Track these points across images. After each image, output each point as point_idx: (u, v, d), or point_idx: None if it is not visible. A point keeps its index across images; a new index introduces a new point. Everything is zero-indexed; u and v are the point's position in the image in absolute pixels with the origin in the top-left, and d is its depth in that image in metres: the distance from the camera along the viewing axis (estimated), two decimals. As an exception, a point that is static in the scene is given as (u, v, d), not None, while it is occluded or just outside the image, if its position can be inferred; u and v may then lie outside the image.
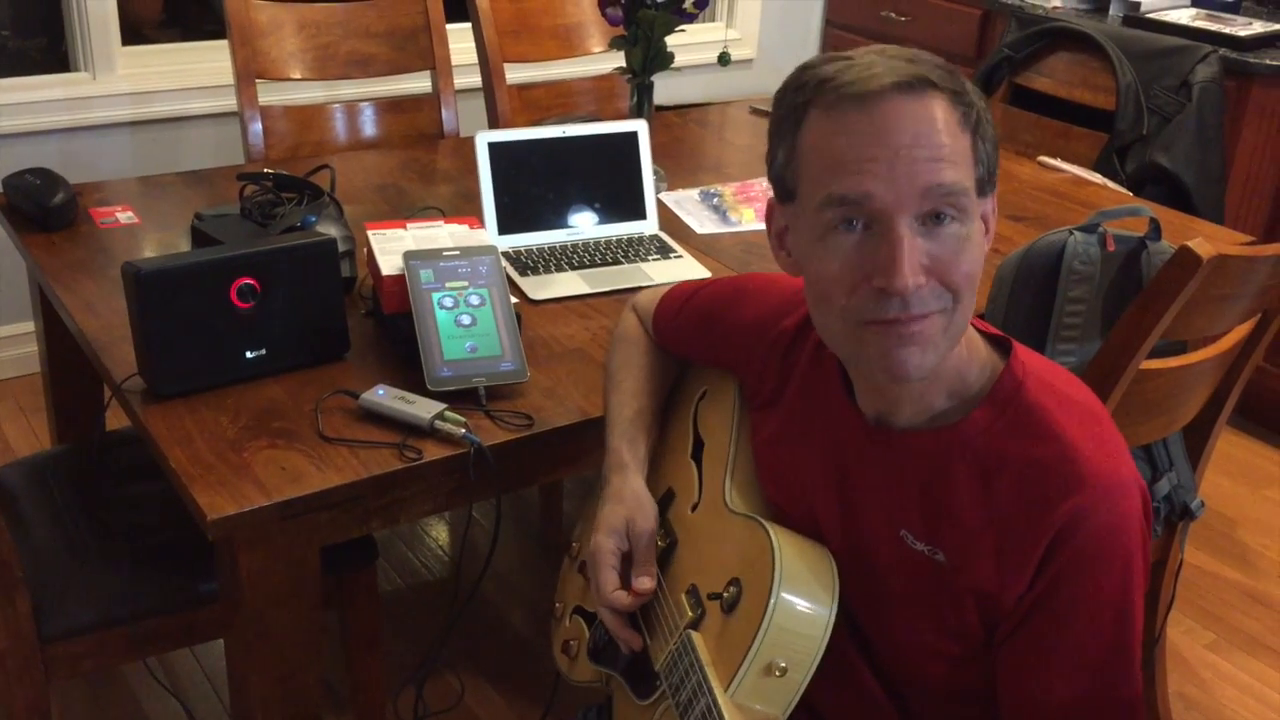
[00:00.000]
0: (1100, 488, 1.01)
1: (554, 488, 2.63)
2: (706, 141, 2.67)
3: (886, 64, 0.98)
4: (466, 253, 1.64)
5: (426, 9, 2.61)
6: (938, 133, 0.97)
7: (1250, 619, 2.49)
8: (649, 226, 2.06)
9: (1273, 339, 1.77)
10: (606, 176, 2.05)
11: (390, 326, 1.67)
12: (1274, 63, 2.91)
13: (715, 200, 2.26)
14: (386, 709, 1.94)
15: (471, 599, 1.68)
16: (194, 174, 2.26)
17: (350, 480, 1.40)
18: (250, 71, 2.45)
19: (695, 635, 1.12)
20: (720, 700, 1.04)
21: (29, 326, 2.29)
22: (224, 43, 2.48)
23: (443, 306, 1.59)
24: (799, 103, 1.01)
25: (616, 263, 1.96)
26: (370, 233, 1.74)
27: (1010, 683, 1.07)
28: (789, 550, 1.09)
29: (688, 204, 2.25)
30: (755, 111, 2.84)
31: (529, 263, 1.93)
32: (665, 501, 1.31)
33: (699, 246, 2.06)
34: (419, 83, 2.72)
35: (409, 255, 1.61)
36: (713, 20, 3.94)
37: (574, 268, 1.93)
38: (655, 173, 2.13)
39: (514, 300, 1.66)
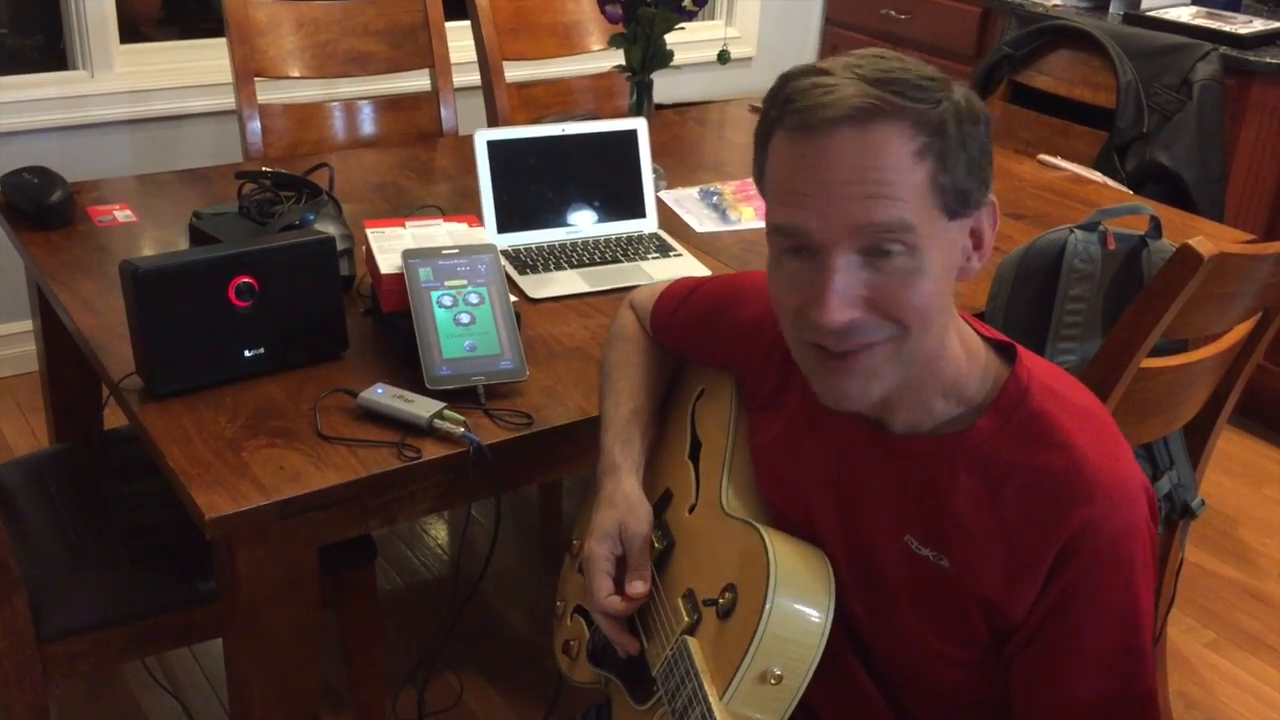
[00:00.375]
0: (1109, 496, 1.01)
1: (553, 487, 2.63)
2: (706, 140, 2.67)
3: (852, 86, 0.95)
4: (465, 251, 1.64)
5: (425, 7, 2.61)
6: (881, 168, 0.95)
7: (1250, 618, 2.48)
8: (648, 225, 2.06)
9: (1273, 337, 1.77)
10: (606, 175, 2.04)
11: (389, 325, 1.66)
12: (1274, 61, 2.91)
13: (715, 199, 2.26)
14: (385, 708, 1.94)
15: (471, 599, 1.67)
16: (192, 172, 2.26)
17: (349, 479, 1.39)
18: (249, 70, 2.45)
19: (691, 641, 1.12)
20: (715, 708, 1.04)
21: (27, 325, 2.28)
22: (222, 41, 2.47)
23: (442, 305, 1.59)
24: (770, 117, 1.02)
25: (616, 261, 1.95)
26: (369, 231, 1.73)
27: (1026, 692, 1.07)
28: (785, 557, 1.08)
29: (687, 202, 2.25)
30: (755, 110, 2.84)
31: (528, 261, 1.93)
32: (663, 503, 1.30)
33: (698, 245, 2.05)
34: (418, 81, 2.71)
35: (408, 254, 1.61)
36: (712, 18, 3.94)
37: (573, 266, 1.92)
38: (655, 171, 2.12)
39: (513, 299, 1.65)
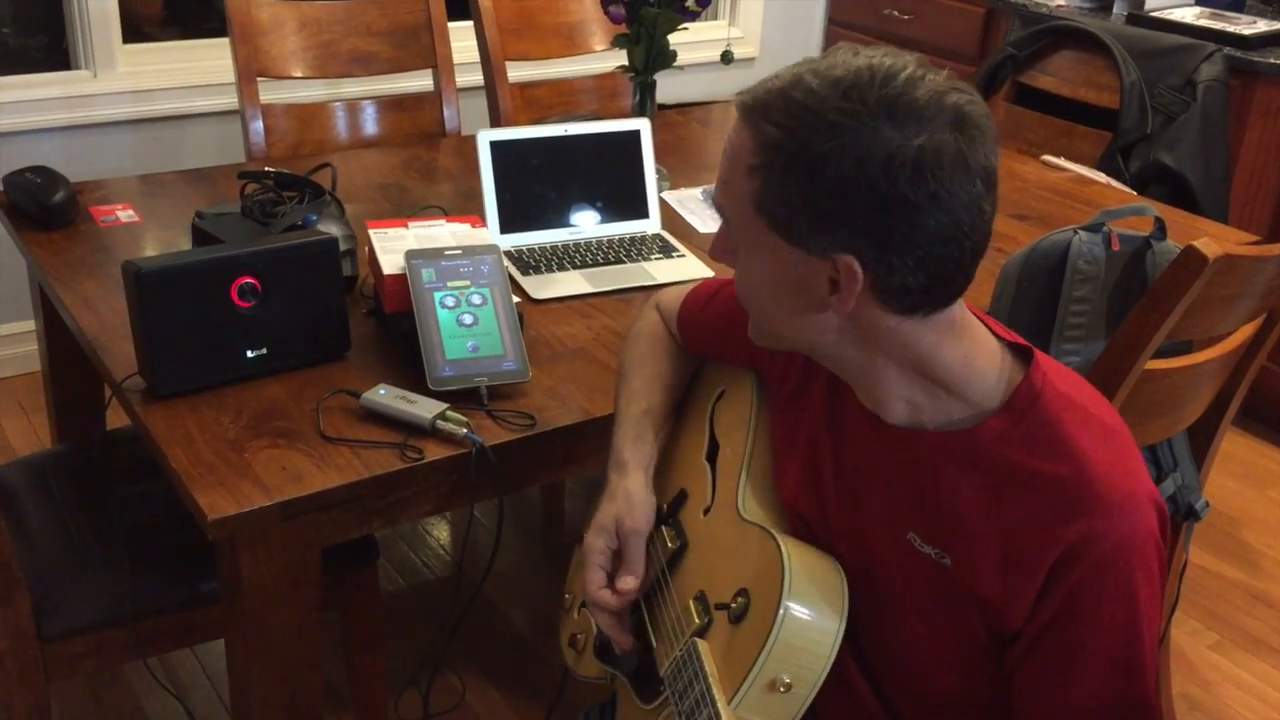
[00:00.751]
0: (1113, 508, 1.00)
1: (556, 488, 2.63)
2: (709, 140, 2.66)
3: (773, 83, 1.02)
4: (468, 252, 1.64)
5: (428, 7, 2.60)
6: (731, 158, 1.04)
7: (1254, 619, 2.48)
8: (651, 225, 2.06)
9: (1278, 339, 1.76)
10: (609, 175, 2.04)
11: (392, 326, 1.66)
12: (1278, 62, 2.90)
13: (718, 199, 2.26)
14: (387, 709, 1.93)
15: (474, 600, 1.67)
16: (195, 172, 2.26)
17: (351, 480, 1.39)
18: (251, 69, 2.45)
19: (701, 644, 1.12)
20: (723, 712, 1.03)
21: (29, 325, 2.28)
22: (225, 40, 2.47)
23: (444, 306, 1.59)
24: None
25: (619, 262, 1.95)
26: (372, 231, 1.73)
27: (1025, 701, 1.07)
28: (799, 565, 1.08)
29: (690, 203, 2.24)
30: (758, 110, 2.83)
31: (531, 262, 1.92)
32: (678, 503, 1.30)
33: (701, 245, 2.05)
34: (421, 81, 2.71)
35: (411, 254, 1.61)
36: (715, 18, 3.94)
37: (576, 267, 1.92)
38: (657, 171, 2.12)
39: (516, 299, 1.65)
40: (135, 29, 3.11)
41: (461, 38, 2.74)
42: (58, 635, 1.58)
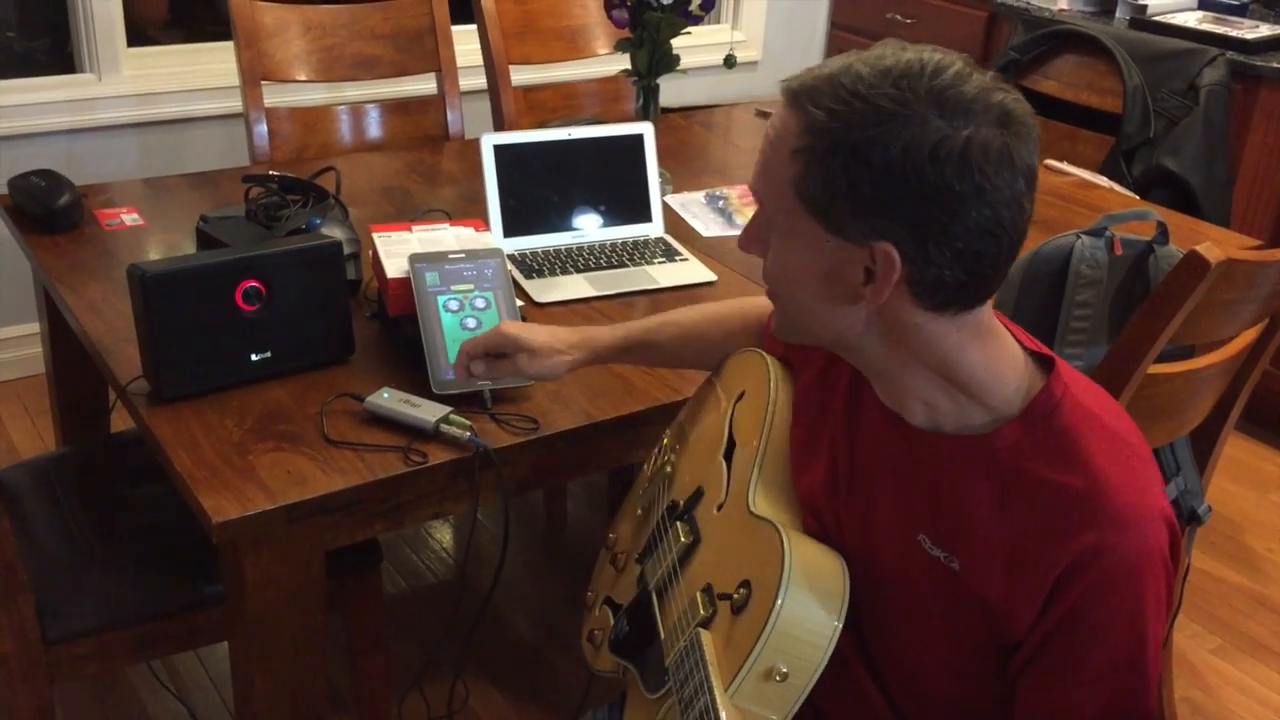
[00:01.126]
0: (1123, 523, 1.00)
1: (559, 491, 2.63)
2: (712, 144, 2.67)
3: (820, 70, 1.02)
4: (472, 255, 1.64)
5: (432, 11, 2.61)
6: (773, 142, 1.04)
7: (1256, 623, 2.48)
8: (654, 229, 2.06)
9: (1281, 343, 1.77)
10: (612, 179, 2.04)
11: (395, 329, 1.66)
12: (1281, 66, 2.91)
13: (721, 203, 2.26)
14: (390, 712, 1.94)
15: (484, 611, 1.68)
16: (199, 176, 2.26)
17: (355, 484, 1.40)
18: (255, 73, 2.45)
19: (704, 634, 1.13)
20: (719, 700, 1.04)
21: (34, 328, 2.28)
22: (229, 44, 2.48)
23: (448, 309, 1.59)
24: None
25: (622, 265, 1.95)
26: (375, 235, 1.74)
27: (1026, 708, 1.07)
28: (801, 558, 1.09)
29: (693, 206, 2.25)
30: (761, 114, 2.84)
31: (534, 265, 1.93)
32: (694, 499, 1.31)
33: (704, 249, 2.06)
34: (424, 85, 2.72)
35: (414, 258, 1.61)
36: (718, 22, 3.94)
37: (579, 270, 1.93)
38: (661, 175, 2.12)
39: (519, 303, 1.65)
40: (139, 32, 3.12)
41: (465, 41, 2.74)
42: (61, 637, 1.58)
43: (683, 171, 2.41)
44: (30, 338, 2.92)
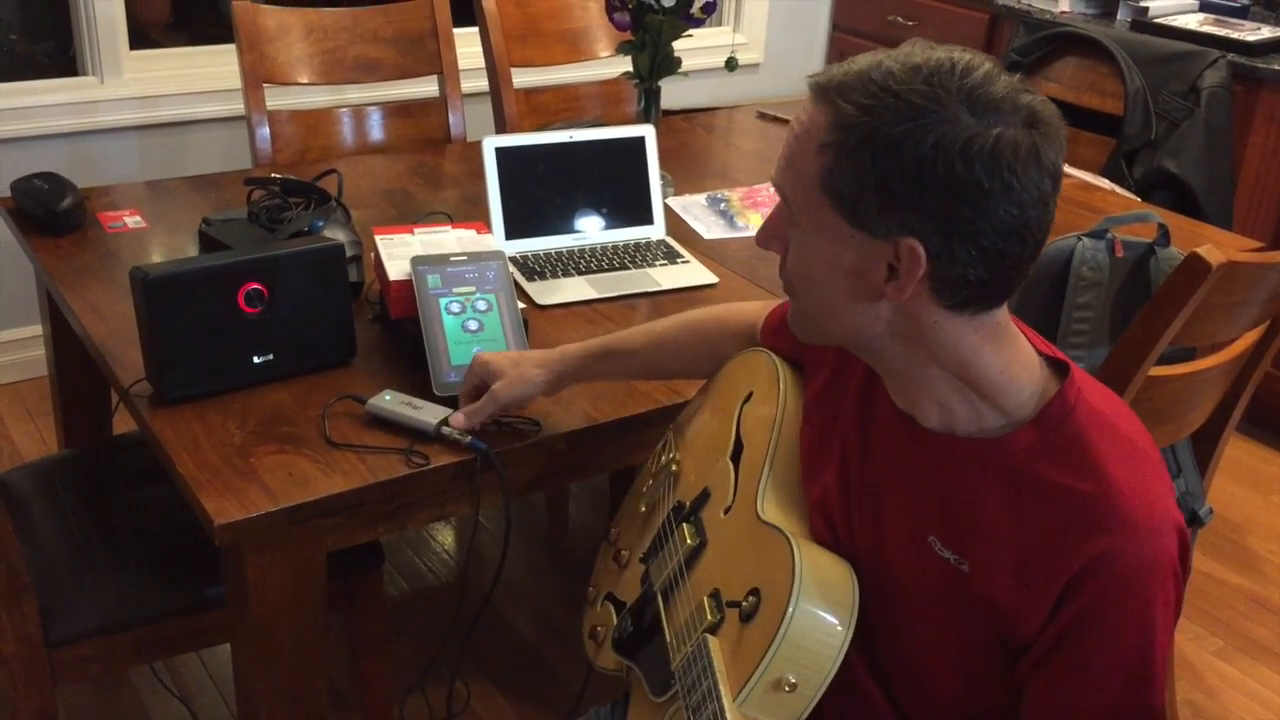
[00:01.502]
0: (1133, 529, 1.00)
1: (561, 493, 2.63)
2: (713, 146, 2.67)
3: (849, 66, 1.02)
4: (474, 258, 1.64)
5: (434, 13, 2.61)
6: (799, 136, 1.03)
7: (1258, 625, 2.48)
8: (656, 231, 2.06)
9: (1282, 345, 1.77)
10: (614, 181, 2.05)
11: (397, 331, 1.67)
12: (1282, 68, 2.91)
13: (722, 205, 2.26)
14: (392, 713, 1.94)
15: (482, 612, 1.68)
16: (201, 178, 2.27)
17: (357, 485, 1.40)
18: (257, 76, 2.46)
19: (712, 640, 1.13)
20: (728, 709, 1.04)
21: (36, 330, 2.29)
22: (231, 47, 2.48)
23: (450, 312, 1.59)
24: None
25: (624, 268, 1.96)
26: (377, 238, 1.74)
27: (1033, 713, 1.07)
28: (811, 567, 1.08)
29: (695, 209, 2.25)
30: (762, 116, 2.84)
31: (536, 268, 1.93)
32: (700, 501, 1.31)
33: (706, 251, 2.06)
34: (426, 87, 2.72)
35: (416, 260, 1.61)
36: (720, 25, 3.95)
37: (581, 273, 1.93)
38: (662, 178, 2.13)
39: (521, 305, 1.66)
40: (142, 35, 3.12)
41: (467, 44, 2.75)
42: (64, 640, 1.58)
43: (684, 174, 2.42)
44: (33, 340, 2.92)
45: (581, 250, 2.00)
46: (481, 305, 1.61)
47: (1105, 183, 2.58)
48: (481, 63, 2.71)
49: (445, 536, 2.64)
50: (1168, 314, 1.50)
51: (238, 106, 2.59)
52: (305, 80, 2.54)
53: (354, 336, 1.63)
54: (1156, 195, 2.88)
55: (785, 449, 1.27)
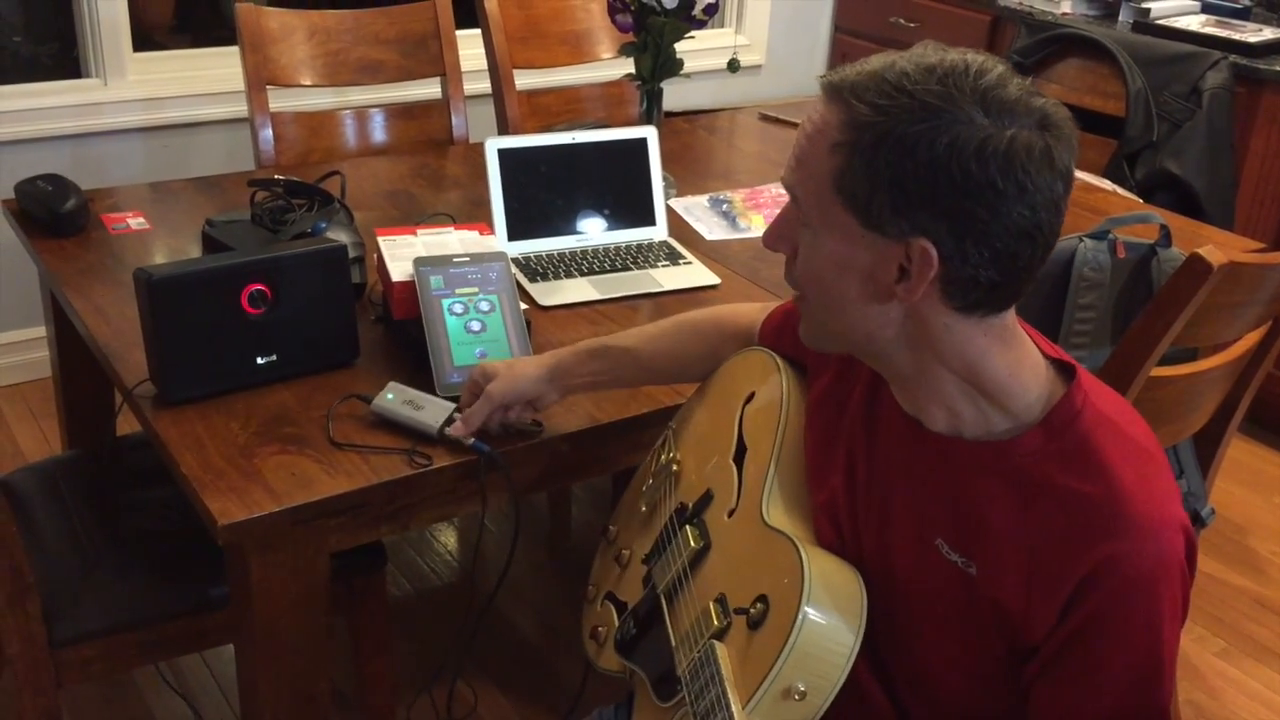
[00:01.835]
0: (1142, 532, 1.00)
1: (563, 494, 2.64)
2: (716, 148, 2.67)
3: (862, 66, 1.02)
4: (476, 259, 1.65)
5: (436, 15, 2.62)
6: (811, 136, 1.03)
7: (1261, 626, 2.48)
8: (658, 233, 2.07)
9: (1283, 346, 1.77)
10: (616, 183, 2.05)
11: (400, 332, 1.67)
12: (1284, 69, 2.91)
13: (724, 206, 2.27)
14: (396, 714, 1.94)
15: (485, 612, 1.68)
16: (205, 180, 2.27)
17: (360, 486, 1.40)
18: (261, 78, 2.46)
19: (719, 646, 1.12)
20: (738, 717, 1.04)
21: (40, 331, 2.29)
22: (234, 49, 2.49)
23: (453, 313, 1.60)
24: None
25: (626, 269, 1.96)
26: (380, 239, 1.74)
27: (1040, 715, 1.07)
28: (819, 574, 1.08)
29: (697, 210, 2.25)
30: (764, 118, 2.84)
31: (538, 269, 1.93)
32: (703, 503, 1.31)
33: (708, 253, 2.06)
34: (429, 89, 2.72)
35: (419, 261, 1.62)
36: (722, 26, 3.95)
37: (583, 274, 1.93)
38: (665, 179, 2.13)
39: (524, 306, 1.66)
40: (145, 37, 3.13)
41: (469, 46, 2.75)
42: (68, 640, 1.59)
43: (686, 175, 2.42)
44: (36, 341, 2.92)
45: (584, 251, 2.00)
46: (484, 306, 1.61)
47: (1107, 184, 2.58)
48: (484, 64, 2.71)
49: (448, 537, 2.64)
50: (1169, 315, 1.50)
51: (241, 108, 2.59)
52: (308, 82, 2.54)
53: (357, 337, 1.64)
54: (1158, 196, 2.88)
55: (789, 452, 1.26)
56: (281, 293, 1.55)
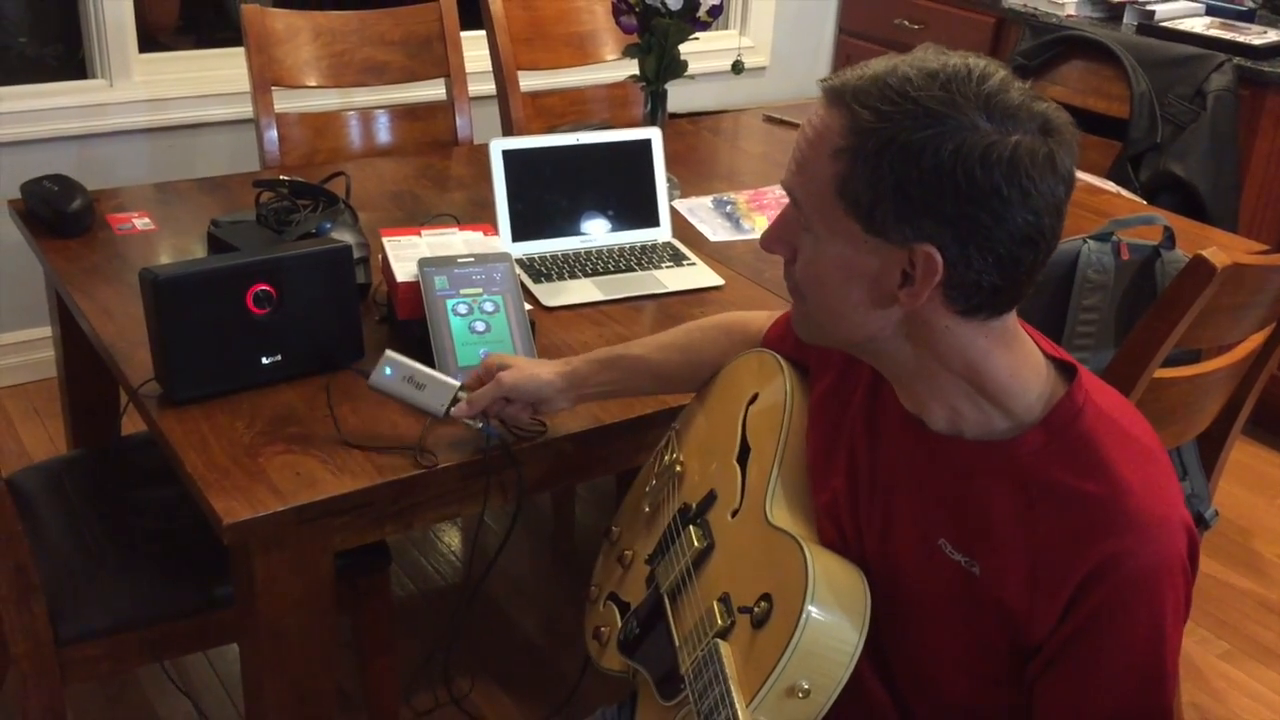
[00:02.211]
0: (1144, 531, 1.00)
1: (567, 495, 2.64)
2: (720, 149, 2.68)
3: (863, 70, 1.02)
4: (481, 259, 1.65)
5: (441, 17, 2.62)
6: (812, 141, 1.03)
7: (1264, 628, 2.48)
8: (662, 234, 2.07)
9: (1287, 348, 1.77)
10: (620, 184, 2.05)
11: (404, 332, 1.67)
12: (1289, 71, 2.91)
13: (728, 208, 2.27)
14: (399, 712, 1.94)
15: (476, 594, 1.68)
16: (210, 181, 2.28)
17: (365, 485, 1.41)
18: (266, 79, 2.47)
19: (723, 645, 1.12)
20: (741, 715, 1.04)
21: (46, 331, 2.30)
22: (240, 50, 2.49)
23: (457, 313, 1.60)
24: None
25: (630, 270, 1.96)
26: (385, 239, 1.75)
27: (1043, 714, 1.08)
28: (823, 573, 1.08)
29: (701, 211, 2.25)
30: (769, 119, 2.85)
31: (543, 270, 1.94)
32: (707, 503, 1.31)
33: (712, 254, 2.06)
34: (433, 90, 2.73)
35: (423, 262, 1.62)
36: (726, 28, 3.95)
37: (587, 275, 1.94)
38: (668, 180, 2.13)
39: (528, 307, 1.66)
40: (151, 38, 3.14)
41: (474, 47, 2.75)
42: (73, 639, 1.59)
43: (690, 177, 2.42)
44: (42, 341, 2.93)
45: (588, 252, 2.00)
46: (488, 307, 1.62)
47: (1111, 186, 2.58)
48: (488, 66, 2.71)
49: (451, 537, 2.65)
50: (1173, 316, 1.50)
51: (246, 109, 2.60)
52: (313, 83, 2.55)
53: (361, 337, 1.64)
54: (1162, 198, 2.88)
55: (792, 452, 1.26)
56: (286, 293, 1.56)
